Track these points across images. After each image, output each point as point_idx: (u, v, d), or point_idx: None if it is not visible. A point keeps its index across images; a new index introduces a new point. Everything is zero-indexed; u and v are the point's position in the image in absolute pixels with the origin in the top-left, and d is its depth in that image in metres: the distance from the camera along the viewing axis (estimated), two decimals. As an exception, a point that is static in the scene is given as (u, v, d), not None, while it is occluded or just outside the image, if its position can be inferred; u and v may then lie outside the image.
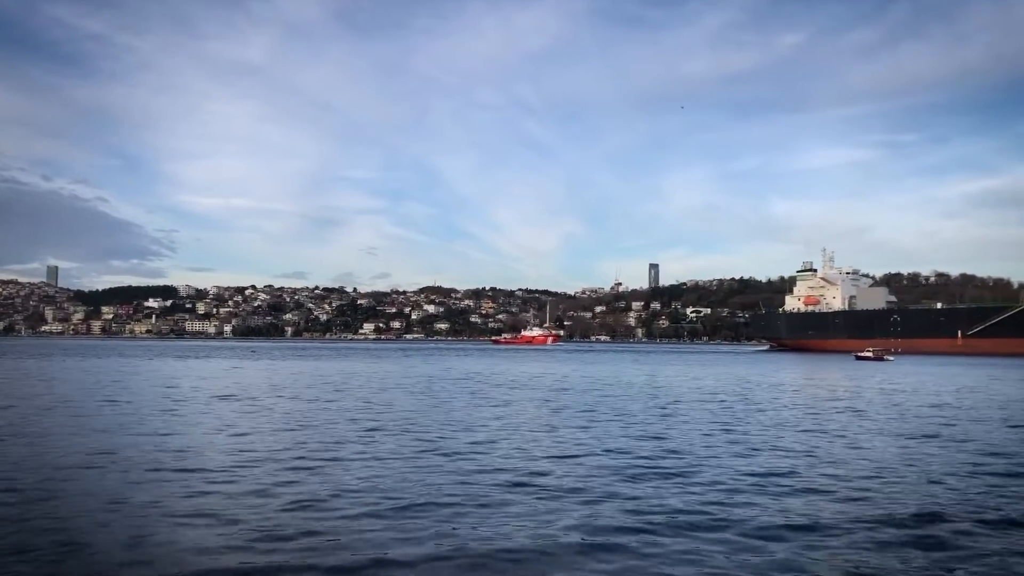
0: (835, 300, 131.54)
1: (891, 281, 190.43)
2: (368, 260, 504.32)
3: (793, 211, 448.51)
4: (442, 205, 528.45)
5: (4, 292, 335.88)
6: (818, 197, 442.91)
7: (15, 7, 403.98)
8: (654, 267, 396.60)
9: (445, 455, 14.03)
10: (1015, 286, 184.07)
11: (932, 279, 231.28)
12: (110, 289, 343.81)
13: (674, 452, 14.70)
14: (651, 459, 13.81)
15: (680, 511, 9.69)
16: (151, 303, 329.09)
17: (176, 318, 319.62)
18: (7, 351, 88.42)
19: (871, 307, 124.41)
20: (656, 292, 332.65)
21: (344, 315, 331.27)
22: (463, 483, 11.37)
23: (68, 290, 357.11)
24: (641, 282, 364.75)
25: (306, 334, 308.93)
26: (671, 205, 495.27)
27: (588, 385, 35.90)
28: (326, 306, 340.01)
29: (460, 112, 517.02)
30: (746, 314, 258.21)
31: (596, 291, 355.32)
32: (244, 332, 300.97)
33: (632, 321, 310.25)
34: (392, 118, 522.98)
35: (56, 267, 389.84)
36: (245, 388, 31.50)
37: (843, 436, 17.54)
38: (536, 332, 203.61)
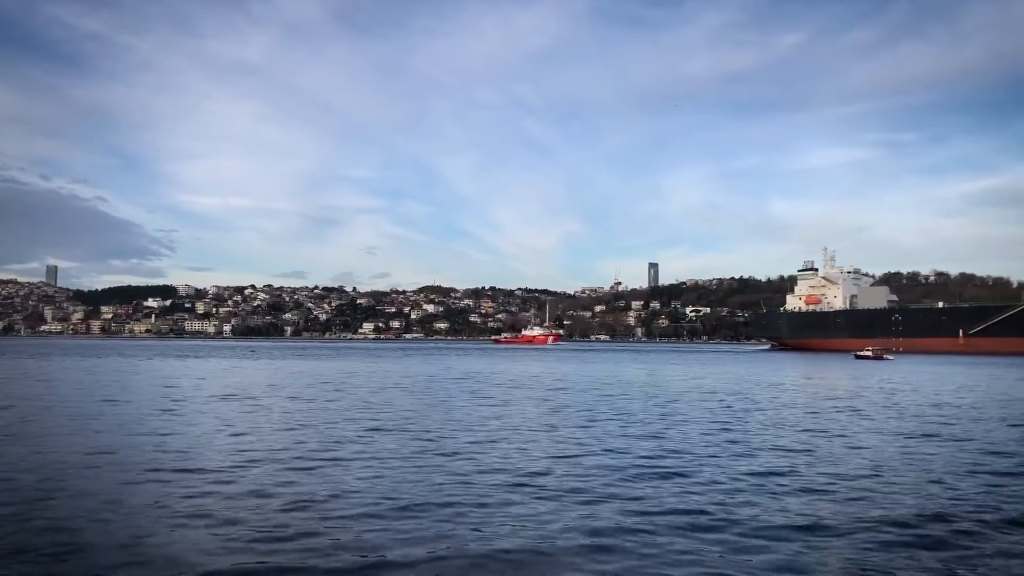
0: (836, 299, 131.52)
1: (890, 280, 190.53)
2: (367, 260, 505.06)
3: (792, 210, 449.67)
4: (442, 205, 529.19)
5: (3, 292, 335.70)
6: (817, 196, 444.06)
7: (14, 6, 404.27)
8: (654, 266, 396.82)
9: (445, 455, 14.02)
10: (1015, 285, 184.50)
11: (932, 278, 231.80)
12: (109, 289, 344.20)
13: (674, 452, 14.69)
14: (651, 459, 13.80)
15: (680, 511, 9.68)
16: (150, 303, 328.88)
17: (175, 318, 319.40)
18: (6, 351, 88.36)
19: (872, 306, 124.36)
20: (656, 291, 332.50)
21: (343, 315, 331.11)
22: (463, 483, 11.36)
23: (67, 290, 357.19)
24: (641, 281, 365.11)
25: (305, 334, 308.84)
26: (671, 204, 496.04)
27: (588, 384, 35.90)
28: (325, 306, 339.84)
29: (460, 112, 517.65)
30: (746, 313, 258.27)
31: (596, 290, 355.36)
32: (243, 332, 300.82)
33: (632, 320, 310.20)
34: (392, 118, 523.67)
35: (55, 267, 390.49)
36: (244, 388, 31.48)
37: (842, 435, 17.53)
38: (537, 331, 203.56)
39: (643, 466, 12.99)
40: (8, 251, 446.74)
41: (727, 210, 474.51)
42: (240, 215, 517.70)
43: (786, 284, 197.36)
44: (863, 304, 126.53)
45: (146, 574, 7.03)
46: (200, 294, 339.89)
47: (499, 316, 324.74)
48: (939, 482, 11.81)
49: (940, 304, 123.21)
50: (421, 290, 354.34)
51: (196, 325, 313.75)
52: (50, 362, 56.56)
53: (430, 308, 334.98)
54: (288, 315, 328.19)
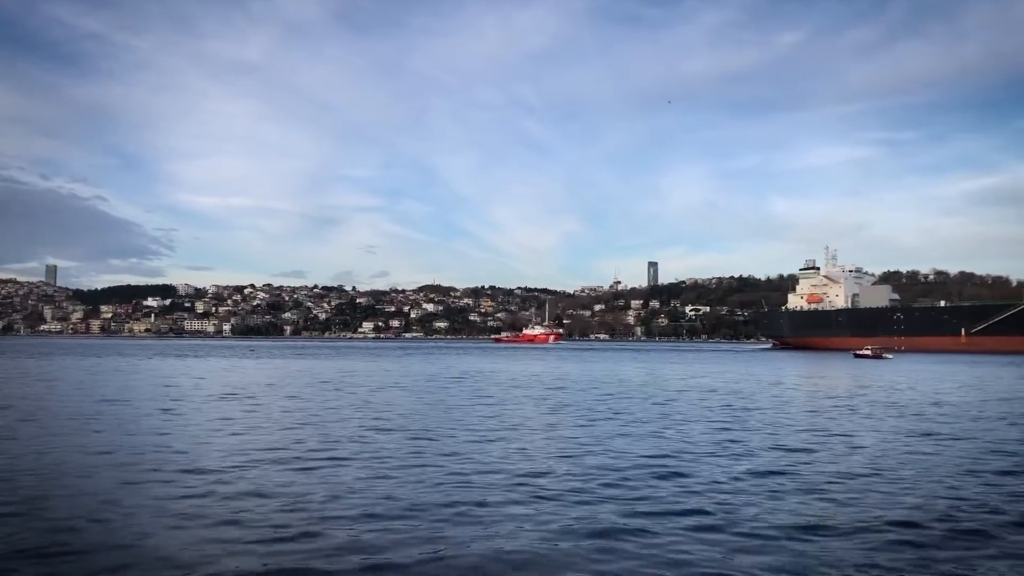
0: (838, 298, 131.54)
1: (890, 279, 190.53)
2: (367, 259, 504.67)
3: (792, 209, 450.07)
4: (441, 204, 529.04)
5: (3, 291, 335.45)
6: (817, 195, 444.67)
7: (14, 6, 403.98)
8: (653, 265, 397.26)
9: (445, 454, 14.00)
10: (1014, 283, 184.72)
11: (931, 277, 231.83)
12: (109, 288, 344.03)
13: (674, 451, 14.67)
14: (651, 458, 13.78)
15: (680, 511, 9.67)
16: (150, 302, 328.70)
17: (175, 317, 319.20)
18: (6, 350, 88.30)
19: (874, 305, 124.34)
20: (655, 290, 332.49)
21: (343, 314, 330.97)
22: (463, 484, 11.35)
23: (67, 289, 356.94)
24: (640, 280, 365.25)
25: (305, 333, 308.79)
26: (670, 204, 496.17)
27: (588, 383, 35.89)
28: (325, 305, 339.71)
29: (459, 111, 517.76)
30: (745, 312, 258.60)
31: (595, 289, 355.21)
32: (243, 331, 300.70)
33: (631, 319, 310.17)
34: (391, 117, 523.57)
35: (55, 266, 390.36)
36: (244, 387, 31.45)
37: (841, 435, 17.52)
38: (538, 330, 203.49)
39: (643, 466, 12.98)
40: (7, 250, 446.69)
41: (726, 209, 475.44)
42: (239, 214, 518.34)
43: (786, 283, 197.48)
44: (865, 303, 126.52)
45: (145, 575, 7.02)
46: (200, 293, 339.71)
47: (499, 315, 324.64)
48: (939, 481, 11.80)
49: (942, 303, 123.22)
50: (420, 289, 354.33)
51: (196, 324, 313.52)
52: (50, 362, 56.52)
53: (430, 307, 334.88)
54: (288, 314, 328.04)
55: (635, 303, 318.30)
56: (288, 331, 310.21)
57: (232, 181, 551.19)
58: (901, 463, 13.56)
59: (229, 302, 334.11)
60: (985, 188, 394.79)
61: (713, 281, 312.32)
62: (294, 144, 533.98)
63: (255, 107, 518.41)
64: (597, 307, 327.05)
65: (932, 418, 21.38)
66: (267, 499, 10.11)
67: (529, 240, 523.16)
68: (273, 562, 7.40)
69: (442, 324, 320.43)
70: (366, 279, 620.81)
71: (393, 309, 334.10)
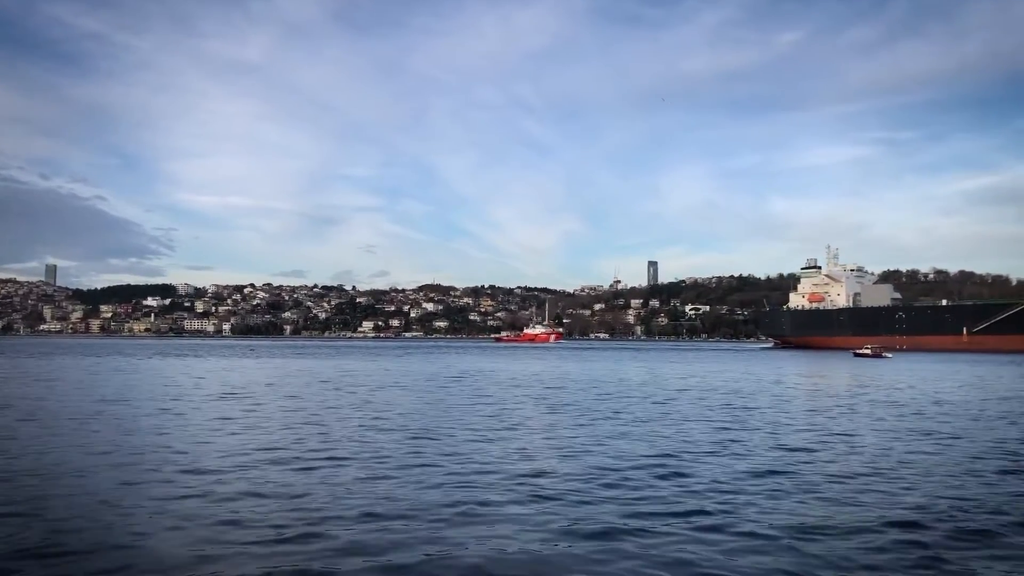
0: (840, 297, 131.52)
1: (890, 278, 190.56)
2: (367, 258, 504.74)
3: (792, 209, 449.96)
4: (441, 203, 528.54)
5: (2, 291, 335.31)
6: (816, 195, 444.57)
7: (13, 6, 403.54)
8: (653, 265, 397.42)
9: (445, 454, 13.98)
10: (1014, 282, 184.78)
11: (931, 276, 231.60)
12: (109, 288, 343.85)
13: (674, 451, 14.65)
14: (651, 458, 13.75)
15: (680, 512, 9.65)
16: (150, 302, 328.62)
17: (175, 317, 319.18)
18: (6, 350, 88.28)
19: (876, 304, 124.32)
20: (655, 290, 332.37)
21: (343, 313, 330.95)
22: (463, 484, 11.32)
23: (67, 289, 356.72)
24: (640, 280, 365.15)
25: (305, 332, 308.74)
26: (670, 203, 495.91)
27: (590, 383, 35.87)
28: (325, 304, 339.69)
29: (459, 111, 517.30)
30: (745, 311, 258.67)
31: (595, 289, 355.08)
32: (243, 330, 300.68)
33: (631, 319, 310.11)
34: (391, 117, 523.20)
35: (55, 266, 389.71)
36: (243, 387, 31.44)
37: (840, 434, 17.50)
38: (539, 330, 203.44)
39: (643, 465, 12.96)
40: (7, 250, 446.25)
41: (726, 209, 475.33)
42: (239, 214, 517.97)
43: (786, 282, 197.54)
44: (866, 302, 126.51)
45: (144, 576, 7.00)
46: (199, 293, 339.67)
47: (498, 314, 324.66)
48: (940, 481, 11.78)
49: (943, 302, 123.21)
50: (420, 289, 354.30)
51: (195, 324, 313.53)
52: (49, 361, 56.50)
53: (429, 307, 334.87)
54: (287, 314, 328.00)
55: (635, 302, 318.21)
56: (288, 331, 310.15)
57: (232, 181, 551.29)
58: (901, 462, 13.54)
59: (229, 302, 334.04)
60: (984, 187, 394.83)
61: (713, 280, 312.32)
62: (294, 144, 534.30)
63: (255, 107, 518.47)
64: (597, 306, 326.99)
65: (932, 417, 21.37)
66: (267, 499, 10.09)
67: (529, 239, 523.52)
68: (273, 563, 7.37)
69: (442, 324, 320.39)
70: (366, 279, 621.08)
71: (393, 309, 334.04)
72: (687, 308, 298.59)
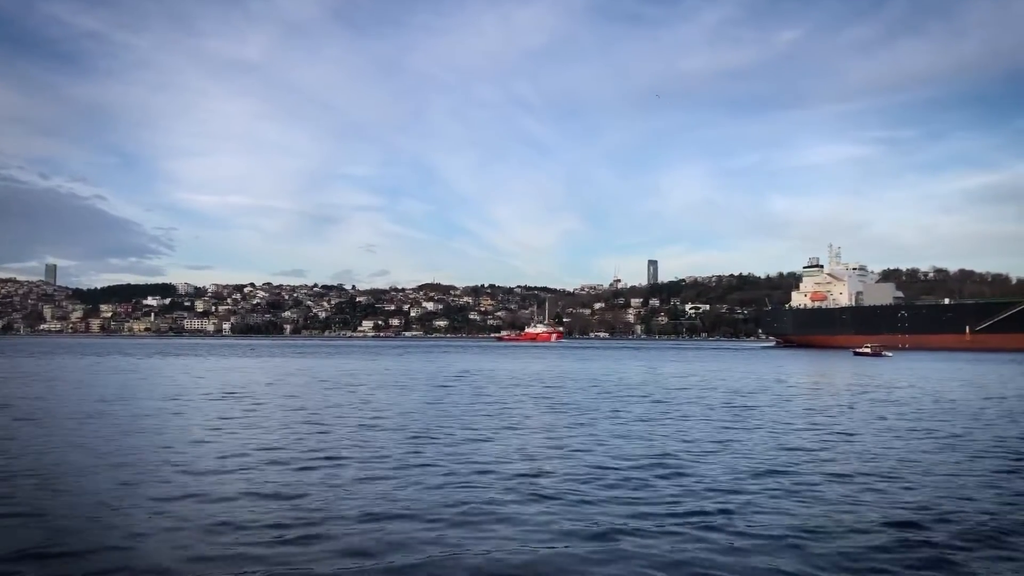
0: (842, 296, 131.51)
1: (890, 277, 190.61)
2: (367, 257, 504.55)
3: (791, 207, 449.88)
4: (440, 202, 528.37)
5: (2, 291, 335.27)
6: (816, 193, 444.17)
7: (12, 5, 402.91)
8: (653, 264, 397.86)
9: (445, 454, 13.96)
10: (1014, 281, 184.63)
11: (931, 275, 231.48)
12: (109, 287, 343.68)
13: (674, 451, 14.62)
14: (651, 457, 13.73)
15: (680, 512, 9.63)
16: (150, 301, 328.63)
17: (175, 316, 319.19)
18: (6, 350, 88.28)
19: (878, 303, 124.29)
20: (655, 289, 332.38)
21: (343, 313, 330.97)
22: (463, 484, 11.31)
23: (67, 288, 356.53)
24: (640, 279, 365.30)
25: (305, 332, 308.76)
26: (670, 202, 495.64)
27: (590, 382, 35.85)
28: (325, 304, 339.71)
29: (459, 109, 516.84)
30: (745, 310, 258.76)
31: (595, 288, 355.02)
32: (243, 330, 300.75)
33: (631, 318, 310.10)
34: (390, 116, 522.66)
35: (54, 265, 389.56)
36: (243, 386, 31.42)
37: (840, 433, 17.49)
38: (540, 329, 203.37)
39: (643, 465, 12.94)
40: (7, 250, 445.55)
41: (726, 207, 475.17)
42: (239, 213, 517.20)
43: (786, 281, 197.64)
44: (869, 301, 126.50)
45: (143, 577, 6.99)
46: (199, 292, 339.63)
47: (498, 314, 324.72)
48: (940, 481, 11.77)
49: (946, 300, 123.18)
50: (420, 288, 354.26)
51: (195, 323, 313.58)
52: (49, 361, 56.49)
53: (429, 306, 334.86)
54: (287, 313, 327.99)
55: (635, 301, 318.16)
56: (288, 330, 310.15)
57: (231, 180, 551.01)
58: (901, 462, 13.52)
59: (229, 301, 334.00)
60: (984, 186, 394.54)
61: (713, 279, 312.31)
62: (293, 143, 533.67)
63: (254, 106, 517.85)
64: (597, 305, 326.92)
65: (932, 416, 21.35)
66: (267, 500, 10.07)
67: (529, 238, 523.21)
68: (273, 564, 7.36)
69: (442, 323, 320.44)
70: (366, 278, 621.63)
71: (393, 308, 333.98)
72: (687, 307, 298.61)
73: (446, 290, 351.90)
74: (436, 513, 9.43)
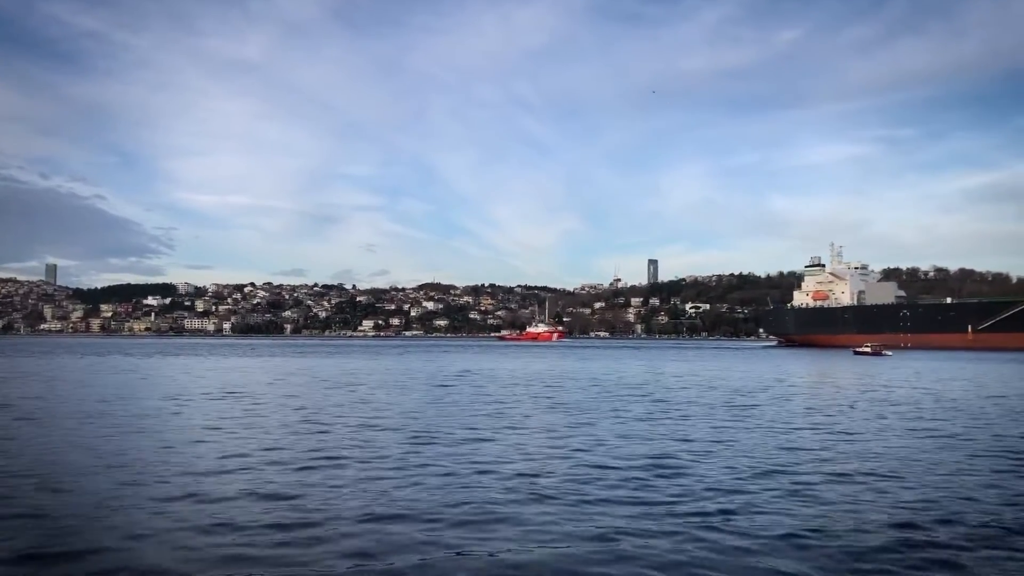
0: (844, 295, 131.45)
1: (891, 276, 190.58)
2: (367, 257, 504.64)
3: (791, 207, 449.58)
4: (440, 202, 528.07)
5: (3, 290, 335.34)
6: (816, 193, 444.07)
7: (12, 5, 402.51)
8: (653, 263, 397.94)
9: (445, 454, 13.95)
10: (1014, 280, 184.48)
11: (931, 274, 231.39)
12: (109, 287, 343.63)
13: (675, 451, 14.61)
14: (651, 457, 13.72)
15: (680, 513, 9.62)
16: (150, 301, 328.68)
17: (175, 316, 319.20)
18: (6, 349, 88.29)
19: (880, 302, 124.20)
20: (655, 288, 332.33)
21: (343, 312, 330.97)
22: (463, 484, 11.30)
23: (67, 288, 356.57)
24: (640, 278, 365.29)
25: (305, 331, 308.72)
26: (670, 201, 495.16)
27: (590, 381, 35.84)
28: (325, 303, 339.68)
29: (458, 109, 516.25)
30: (745, 309, 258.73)
31: (595, 287, 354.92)
32: (243, 329, 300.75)
33: (631, 317, 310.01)
34: (390, 115, 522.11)
35: (55, 265, 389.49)
36: (243, 386, 31.42)
37: (840, 433, 17.47)
38: (542, 328, 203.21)
39: (644, 465, 12.93)
40: (7, 250, 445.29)
41: (726, 207, 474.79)
42: (239, 213, 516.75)
43: (786, 280, 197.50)
44: (871, 300, 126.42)
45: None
46: (199, 292, 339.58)
47: (499, 313, 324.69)
48: (940, 480, 11.76)
49: (948, 300, 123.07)
50: (420, 287, 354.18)
51: (196, 323, 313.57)
52: (49, 361, 56.50)
53: (430, 305, 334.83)
54: (288, 313, 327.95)
55: (635, 301, 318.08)
56: (288, 329, 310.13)
57: (231, 179, 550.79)
58: (901, 461, 13.51)
59: (229, 301, 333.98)
60: (983, 185, 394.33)
61: (713, 278, 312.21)
62: (293, 142, 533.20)
63: (254, 105, 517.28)
64: (597, 305, 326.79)
65: (931, 415, 21.33)
66: (267, 500, 10.06)
67: (529, 238, 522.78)
68: (273, 564, 7.35)
69: (442, 322, 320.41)
70: (366, 277, 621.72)
71: (393, 307, 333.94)
72: (687, 306, 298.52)
73: (446, 290, 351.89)
74: (436, 513, 9.42)
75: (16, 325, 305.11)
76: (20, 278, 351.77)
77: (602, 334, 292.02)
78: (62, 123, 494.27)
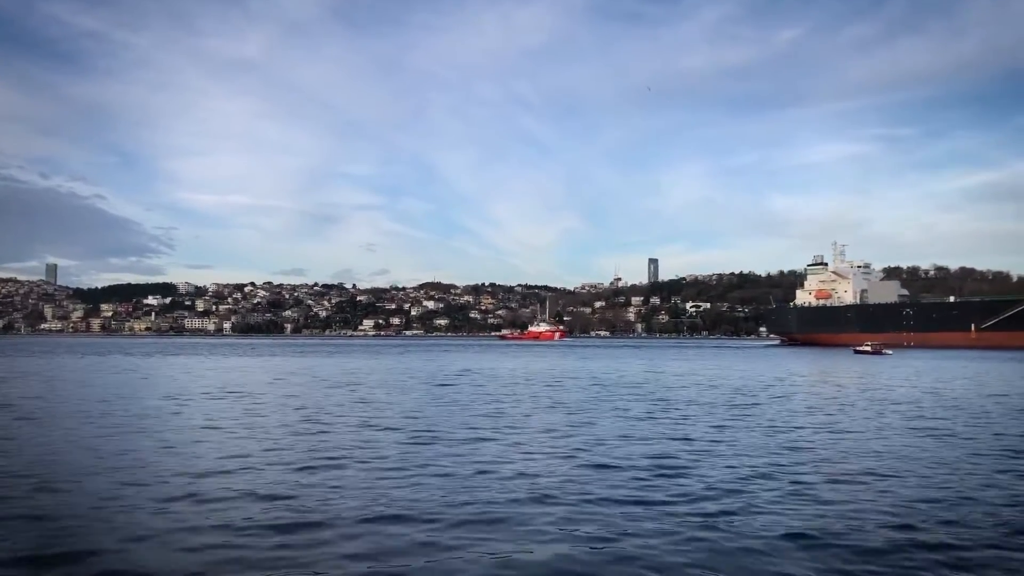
0: (847, 294, 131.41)
1: (891, 274, 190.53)
2: (367, 256, 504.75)
3: (791, 206, 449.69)
4: (440, 201, 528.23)
5: (3, 290, 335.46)
6: (816, 192, 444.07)
7: (11, 4, 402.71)
8: (653, 262, 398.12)
9: (446, 454, 13.94)
10: (1014, 279, 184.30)
11: (932, 272, 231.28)
12: (109, 287, 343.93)
13: (675, 450, 14.60)
14: (651, 458, 13.71)
15: (680, 513, 9.61)
16: (150, 300, 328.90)
17: (175, 315, 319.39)
18: (6, 349, 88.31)
19: (883, 301, 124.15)
20: (655, 287, 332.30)
21: (343, 312, 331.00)
22: (464, 485, 11.29)
23: (67, 288, 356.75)
24: (640, 277, 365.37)
25: (305, 331, 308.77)
26: (670, 200, 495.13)
27: (591, 380, 35.82)
28: (325, 303, 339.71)
29: (458, 108, 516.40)
30: (746, 309, 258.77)
31: (595, 286, 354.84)
32: (243, 329, 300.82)
33: (632, 316, 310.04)
34: (390, 114, 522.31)
35: (55, 265, 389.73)
36: (243, 386, 31.41)
37: (841, 432, 17.46)
38: (543, 328, 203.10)
39: (644, 465, 12.91)
40: (7, 249, 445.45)
41: (726, 206, 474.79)
42: (239, 212, 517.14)
43: (787, 279, 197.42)
44: (873, 299, 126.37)
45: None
46: (200, 292, 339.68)
47: (499, 312, 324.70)
48: (941, 481, 11.74)
49: (951, 298, 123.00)
50: (421, 287, 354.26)
51: (196, 323, 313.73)
52: (50, 360, 56.51)
53: (430, 305, 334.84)
54: (288, 312, 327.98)
55: (636, 300, 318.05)
56: (288, 329, 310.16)
57: (231, 179, 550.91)
58: (902, 460, 13.50)
59: (229, 300, 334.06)
60: (983, 184, 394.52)
61: (713, 277, 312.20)
62: (293, 141, 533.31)
63: (254, 105, 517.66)
64: (598, 304, 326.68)
65: (933, 415, 21.31)
66: (267, 501, 10.04)
67: (529, 237, 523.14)
68: (272, 565, 7.34)
69: (442, 321, 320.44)
70: (366, 277, 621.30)
71: (393, 307, 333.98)
72: (688, 305, 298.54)
73: (446, 289, 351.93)
74: (437, 513, 9.41)
75: (16, 325, 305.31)
76: (20, 278, 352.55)
77: (603, 333, 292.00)
78: (62, 123, 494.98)
